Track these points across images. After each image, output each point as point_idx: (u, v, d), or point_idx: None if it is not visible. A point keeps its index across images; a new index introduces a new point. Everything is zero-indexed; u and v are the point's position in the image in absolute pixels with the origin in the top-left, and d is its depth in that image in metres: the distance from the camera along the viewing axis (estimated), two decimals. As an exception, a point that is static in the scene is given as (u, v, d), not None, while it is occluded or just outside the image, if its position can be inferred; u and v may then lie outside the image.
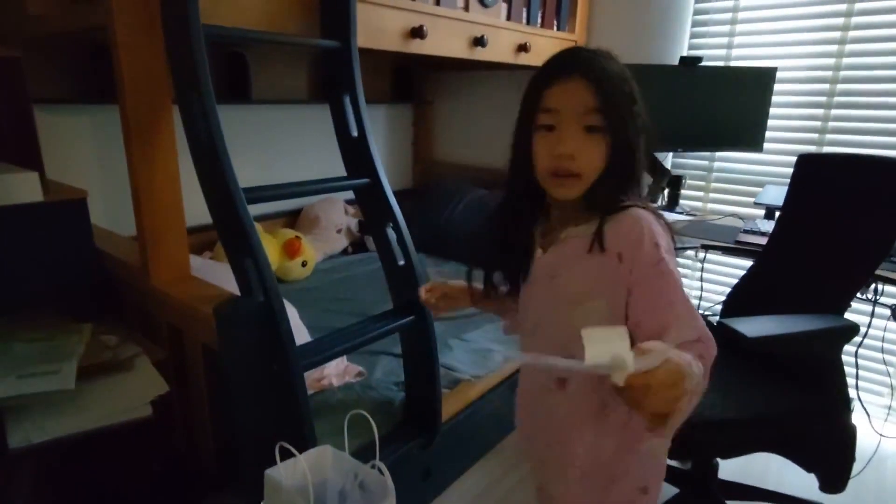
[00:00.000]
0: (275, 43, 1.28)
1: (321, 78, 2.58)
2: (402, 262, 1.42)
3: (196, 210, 1.27)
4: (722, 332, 1.23)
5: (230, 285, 1.27)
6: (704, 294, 2.50)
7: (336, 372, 1.61)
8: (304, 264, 2.43)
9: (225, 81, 2.28)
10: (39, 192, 1.22)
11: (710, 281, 2.52)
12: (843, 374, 1.30)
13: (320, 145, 2.66)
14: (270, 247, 2.35)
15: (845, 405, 1.31)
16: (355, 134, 1.45)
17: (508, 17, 2.12)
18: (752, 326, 1.22)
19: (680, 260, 2.53)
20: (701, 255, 2.39)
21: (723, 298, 1.72)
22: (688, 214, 2.32)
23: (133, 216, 1.25)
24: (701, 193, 2.51)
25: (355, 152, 1.45)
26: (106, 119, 1.92)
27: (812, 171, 1.56)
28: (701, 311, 2.31)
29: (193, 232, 1.74)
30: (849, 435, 1.30)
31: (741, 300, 1.67)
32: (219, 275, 1.60)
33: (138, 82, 1.14)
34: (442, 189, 3.02)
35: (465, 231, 2.74)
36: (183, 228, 1.31)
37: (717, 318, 1.70)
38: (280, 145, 2.60)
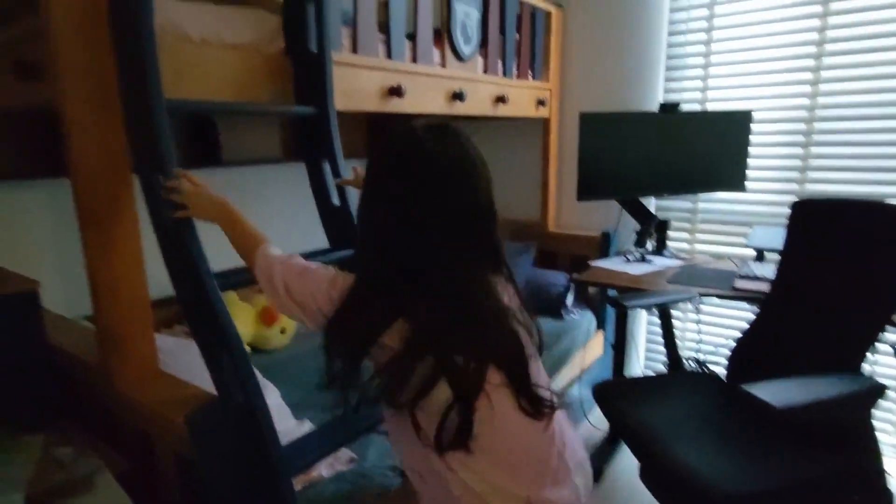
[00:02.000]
0: (246, 113, 1.19)
1: (296, 138, 2.49)
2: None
3: (163, 277, 1.14)
4: (743, 399, 1.14)
5: (206, 372, 1.13)
6: (703, 346, 2.44)
7: (325, 461, 1.46)
8: (282, 331, 2.29)
9: (192, 144, 2.17)
10: (-19, 290, 1.08)
11: (707, 332, 2.46)
12: (873, 437, 1.22)
13: (298, 205, 2.55)
14: (246, 315, 2.20)
15: (879, 469, 1.23)
16: (336, 202, 1.35)
17: (485, 70, 2.09)
18: (776, 393, 1.13)
19: (676, 312, 2.47)
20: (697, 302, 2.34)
21: (721, 346, 1.65)
22: (677, 258, 2.27)
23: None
24: (687, 235, 2.47)
25: (337, 221, 1.35)
26: (61, 192, 1.78)
27: (809, 216, 1.52)
28: (702, 359, 2.26)
29: (160, 305, 1.59)
30: (886, 501, 1.21)
31: (748, 355, 1.59)
32: (191, 357, 1.45)
33: (93, 163, 1.02)
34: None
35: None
36: (149, 321, 1.17)
37: (722, 369, 1.62)
38: (254, 209, 2.47)
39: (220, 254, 1.08)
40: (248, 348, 2.21)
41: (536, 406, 0.82)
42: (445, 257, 0.79)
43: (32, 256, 1.74)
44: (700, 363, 2.15)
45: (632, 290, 1.93)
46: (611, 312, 2.56)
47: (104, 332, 1.10)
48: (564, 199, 2.76)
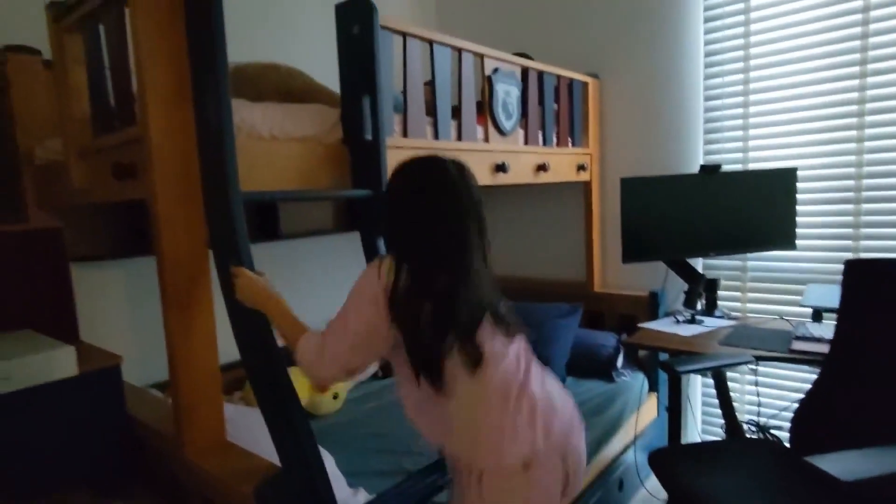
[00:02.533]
0: (309, 199, 1.30)
1: (348, 211, 2.64)
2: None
3: (225, 345, 1.23)
4: (808, 471, 1.11)
5: (267, 439, 1.19)
6: (762, 409, 2.34)
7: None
8: (335, 396, 2.34)
9: (254, 220, 2.33)
10: (75, 366, 1.19)
11: (767, 395, 2.37)
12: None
13: (350, 272, 2.67)
14: (299, 382, 2.28)
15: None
16: (390, 277, 1.43)
17: (526, 141, 2.19)
18: (842, 465, 1.09)
19: (732, 373, 2.40)
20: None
21: (782, 410, 1.59)
22: (728, 318, 2.23)
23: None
24: (738, 294, 2.43)
25: (391, 295, 1.42)
26: (141, 269, 1.94)
27: (864, 276, 1.49)
28: (762, 423, 2.17)
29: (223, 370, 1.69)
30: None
31: (812, 420, 1.54)
32: (252, 424, 1.52)
33: (178, 252, 1.14)
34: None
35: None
36: (219, 393, 1.26)
37: (783, 435, 1.57)
38: (310, 277, 2.61)
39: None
40: (302, 414, 2.27)
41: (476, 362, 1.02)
42: (466, 248, 1.04)
43: (111, 327, 1.88)
44: (761, 428, 2.06)
45: (684, 353, 1.90)
46: (664, 374, 2.51)
47: (178, 403, 1.19)
48: (609, 258, 2.77)
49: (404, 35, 1.61)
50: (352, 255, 1.48)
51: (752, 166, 2.33)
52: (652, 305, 2.51)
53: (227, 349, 1.19)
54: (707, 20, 2.37)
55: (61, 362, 1.16)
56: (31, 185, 1.68)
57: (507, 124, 2.03)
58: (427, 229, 1.02)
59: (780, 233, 2.19)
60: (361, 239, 1.46)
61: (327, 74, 1.56)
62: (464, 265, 1.02)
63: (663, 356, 2.04)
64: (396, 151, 1.58)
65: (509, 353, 1.07)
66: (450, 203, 1.03)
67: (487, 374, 1.02)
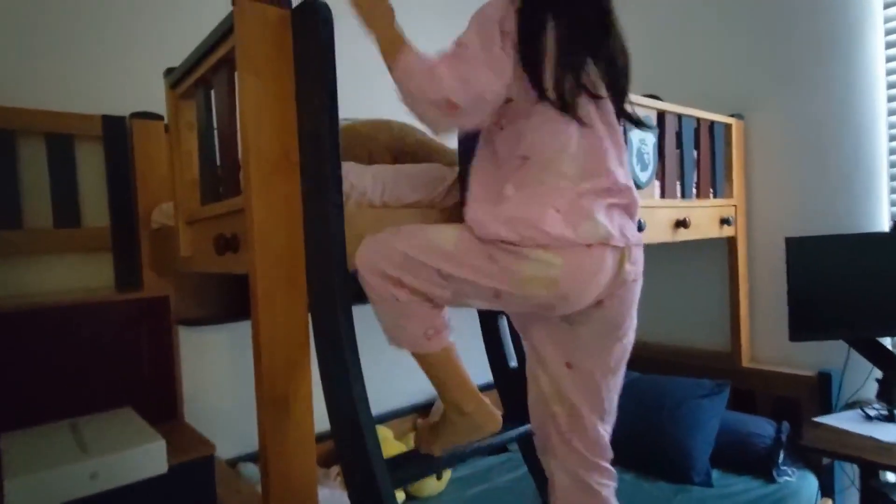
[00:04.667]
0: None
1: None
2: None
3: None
4: None
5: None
6: None
7: None
8: (438, 476, 2.11)
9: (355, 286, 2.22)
10: (164, 463, 1.07)
11: None
12: None
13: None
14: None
15: None
16: (514, 364, 1.20)
17: (663, 195, 1.90)
18: None
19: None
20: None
21: None
22: (939, 414, 1.74)
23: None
24: (947, 382, 1.91)
25: (515, 388, 1.19)
26: (247, 333, 1.87)
27: None
28: None
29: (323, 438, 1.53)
30: None
31: None
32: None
33: (277, 340, 1.00)
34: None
35: (617, 428, 2.29)
36: (314, 487, 1.08)
37: None
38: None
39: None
40: (401, 495, 2.06)
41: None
42: None
43: (214, 391, 1.81)
44: None
45: (889, 468, 1.47)
46: (841, 475, 2.01)
47: (272, 495, 1.02)
48: (760, 327, 2.34)
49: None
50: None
51: (960, 221, 1.86)
52: (823, 390, 2.04)
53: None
54: (890, 45, 1.97)
55: (151, 459, 1.05)
56: (147, 248, 1.68)
57: (642, 176, 1.76)
58: None
59: None
60: (481, 324, 1.26)
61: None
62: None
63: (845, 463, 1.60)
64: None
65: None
66: None
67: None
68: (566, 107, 0.93)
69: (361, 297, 0.98)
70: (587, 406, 1.05)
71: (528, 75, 0.93)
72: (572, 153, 0.94)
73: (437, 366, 0.97)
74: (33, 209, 1.58)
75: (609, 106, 1.02)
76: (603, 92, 1.00)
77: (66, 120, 1.61)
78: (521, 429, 1.20)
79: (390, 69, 0.98)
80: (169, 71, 1.35)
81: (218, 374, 1.86)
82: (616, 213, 0.96)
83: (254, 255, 0.98)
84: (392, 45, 0.97)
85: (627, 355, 1.07)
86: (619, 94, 1.03)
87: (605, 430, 1.08)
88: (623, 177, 0.98)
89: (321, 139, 0.96)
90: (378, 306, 0.97)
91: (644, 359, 2.56)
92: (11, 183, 1.53)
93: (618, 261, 0.95)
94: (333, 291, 0.96)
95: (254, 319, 0.99)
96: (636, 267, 0.99)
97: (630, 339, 1.06)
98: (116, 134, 1.68)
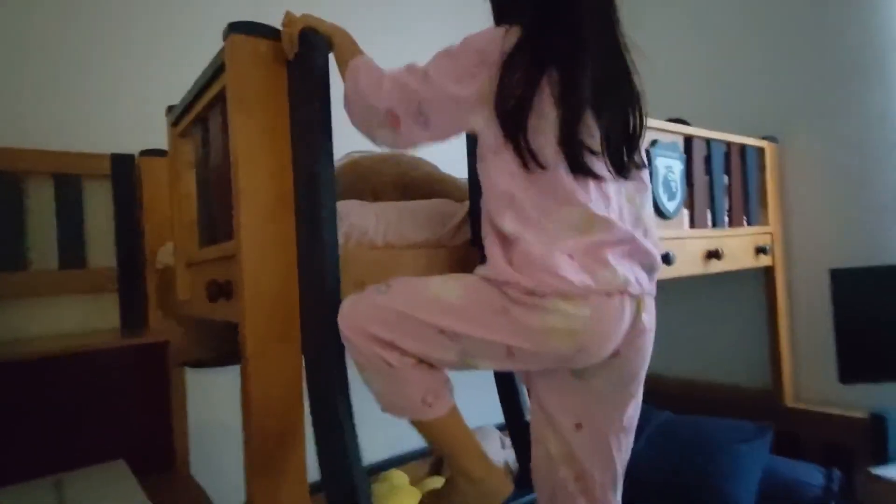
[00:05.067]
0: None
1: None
2: None
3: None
4: None
5: None
6: None
7: None
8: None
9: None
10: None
11: None
12: None
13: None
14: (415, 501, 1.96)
15: None
16: (528, 419, 1.09)
17: (692, 225, 1.78)
18: None
19: None
20: None
21: None
22: None
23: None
24: None
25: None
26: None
27: None
28: None
29: None
30: None
31: None
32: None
33: (267, 401, 0.91)
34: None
35: (652, 474, 2.13)
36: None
37: None
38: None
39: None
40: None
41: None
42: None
43: (221, 437, 1.74)
44: None
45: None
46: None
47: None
48: (804, 363, 2.17)
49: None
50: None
51: None
52: (877, 433, 1.86)
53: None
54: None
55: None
56: (153, 288, 1.63)
57: (669, 206, 1.65)
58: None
59: None
60: (497, 388, 1.16)
61: (454, 162, 1.33)
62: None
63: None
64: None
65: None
66: None
67: None
68: (576, 169, 0.83)
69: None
70: (598, 470, 0.94)
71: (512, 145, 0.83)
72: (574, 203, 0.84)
73: (440, 433, 0.87)
74: (40, 250, 1.56)
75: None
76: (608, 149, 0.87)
77: (74, 160, 1.59)
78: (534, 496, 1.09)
79: (341, 72, 0.95)
80: (171, 108, 1.31)
81: (228, 418, 1.79)
82: (629, 262, 0.86)
83: (244, 305, 0.90)
84: (348, 50, 0.95)
85: (638, 414, 0.96)
86: (631, 148, 0.92)
87: (616, 499, 0.97)
88: (641, 235, 0.88)
89: (314, 178, 0.89)
90: (366, 373, 0.86)
91: (677, 397, 2.41)
92: (17, 224, 1.51)
93: (635, 309, 0.85)
94: (324, 341, 0.87)
95: (243, 377, 0.91)
96: (651, 317, 0.89)
97: (640, 398, 0.96)
98: (125, 172, 1.66)
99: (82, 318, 1.61)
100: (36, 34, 1.58)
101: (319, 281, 0.89)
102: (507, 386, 1.14)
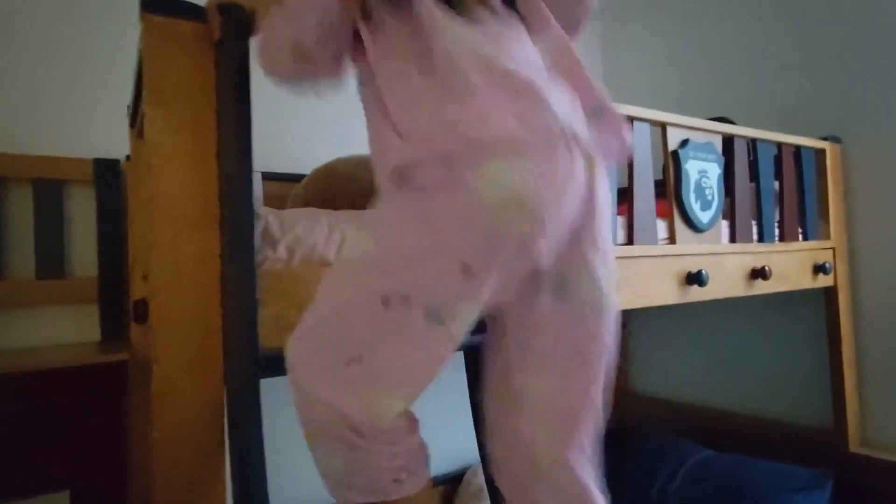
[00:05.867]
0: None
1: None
2: None
3: None
4: None
5: None
6: None
7: None
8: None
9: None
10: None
11: None
12: None
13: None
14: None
15: None
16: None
17: (733, 239, 1.53)
18: None
19: None
20: None
21: None
22: None
23: None
24: None
25: None
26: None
27: None
28: None
29: None
30: None
31: None
32: None
33: (178, 449, 0.76)
34: (648, 443, 2.24)
35: (691, 519, 1.88)
36: None
37: None
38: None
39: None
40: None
41: None
42: None
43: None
44: None
45: None
46: None
47: None
48: (873, 400, 1.86)
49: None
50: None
51: None
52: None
53: None
54: None
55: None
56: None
57: (703, 216, 1.42)
58: None
59: None
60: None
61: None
62: None
63: None
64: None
65: None
66: None
67: None
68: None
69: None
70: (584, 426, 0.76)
71: None
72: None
73: None
74: (20, 259, 1.49)
75: None
76: None
77: (56, 164, 1.52)
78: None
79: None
80: (129, 108, 1.20)
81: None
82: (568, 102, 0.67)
83: (153, 333, 0.76)
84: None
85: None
86: None
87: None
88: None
89: (232, 183, 0.75)
90: (318, 444, 0.68)
91: (720, 433, 2.13)
92: (-4, 232, 1.45)
93: (587, 173, 0.66)
94: (234, 377, 0.72)
95: (153, 418, 0.77)
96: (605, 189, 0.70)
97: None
98: (109, 177, 1.58)
99: (61, 331, 1.53)
100: (17, 36, 1.53)
101: (233, 308, 0.74)
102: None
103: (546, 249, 0.66)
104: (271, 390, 0.77)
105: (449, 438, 1.67)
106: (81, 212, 1.58)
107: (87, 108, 1.59)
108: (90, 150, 1.57)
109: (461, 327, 0.66)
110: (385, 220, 0.69)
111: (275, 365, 0.74)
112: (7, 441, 1.12)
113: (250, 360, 0.73)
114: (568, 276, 0.70)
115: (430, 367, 0.67)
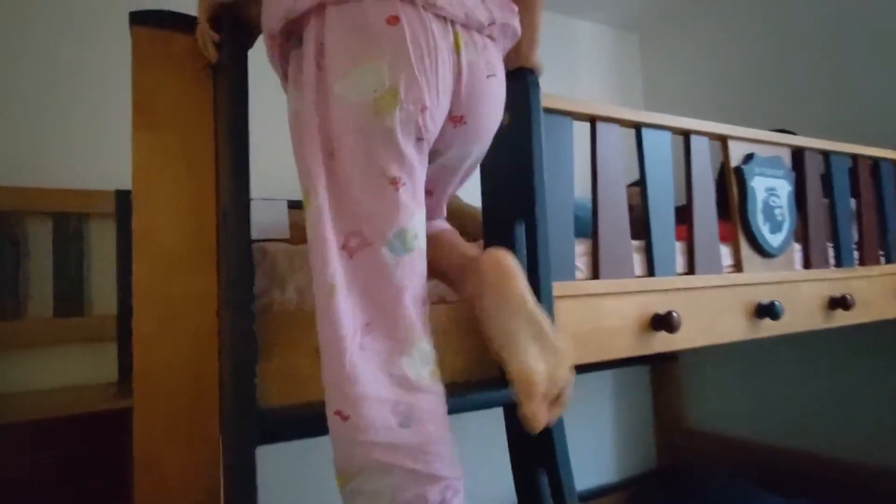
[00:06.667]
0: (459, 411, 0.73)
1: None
2: None
3: None
4: None
5: None
6: None
7: None
8: None
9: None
10: None
11: None
12: None
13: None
14: None
15: None
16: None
17: (807, 264, 1.35)
18: None
19: None
20: None
21: None
22: None
23: None
24: None
25: None
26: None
27: None
28: None
29: None
30: None
31: None
32: None
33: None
34: (703, 479, 2.03)
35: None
36: None
37: None
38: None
39: None
40: None
41: None
42: None
43: None
44: None
45: None
46: None
47: None
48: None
49: (593, 119, 1.03)
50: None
51: None
52: None
53: None
54: None
55: None
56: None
57: (773, 240, 1.25)
58: None
59: None
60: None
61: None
62: None
63: None
64: (582, 302, 0.96)
65: None
66: None
67: None
68: None
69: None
70: None
71: None
72: None
73: None
74: (39, 296, 1.44)
75: None
76: None
77: (76, 198, 1.48)
78: None
79: None
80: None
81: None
82: None
83: (135, 388, 0.66)
84: None
85: None
86: None
87: None
88: None
89: (228, 219, 0.64)
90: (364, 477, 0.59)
91: (793, 477, 1.90)
92: (13, 269, 1.41)
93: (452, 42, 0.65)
94: (231, 449, 0.60)
95: (134, 493, 0.65)
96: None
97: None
98: (130, 209, 1.52)
99: (78, 370, 1.47)
100: (36, 70, 1.51)
101: (229, 361, 0.62)
102: (523, 466, 0.81)
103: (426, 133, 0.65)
104: (264, 454, 0.65)
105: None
106: (101, 246, 1.52)
107: (111, 140, 1.55)
108: (112, 182, 1.52)
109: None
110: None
111: (281, 428, 0.63)
112: (12, 491, 1.04)
113: (248, 427, 0.62)
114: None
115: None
